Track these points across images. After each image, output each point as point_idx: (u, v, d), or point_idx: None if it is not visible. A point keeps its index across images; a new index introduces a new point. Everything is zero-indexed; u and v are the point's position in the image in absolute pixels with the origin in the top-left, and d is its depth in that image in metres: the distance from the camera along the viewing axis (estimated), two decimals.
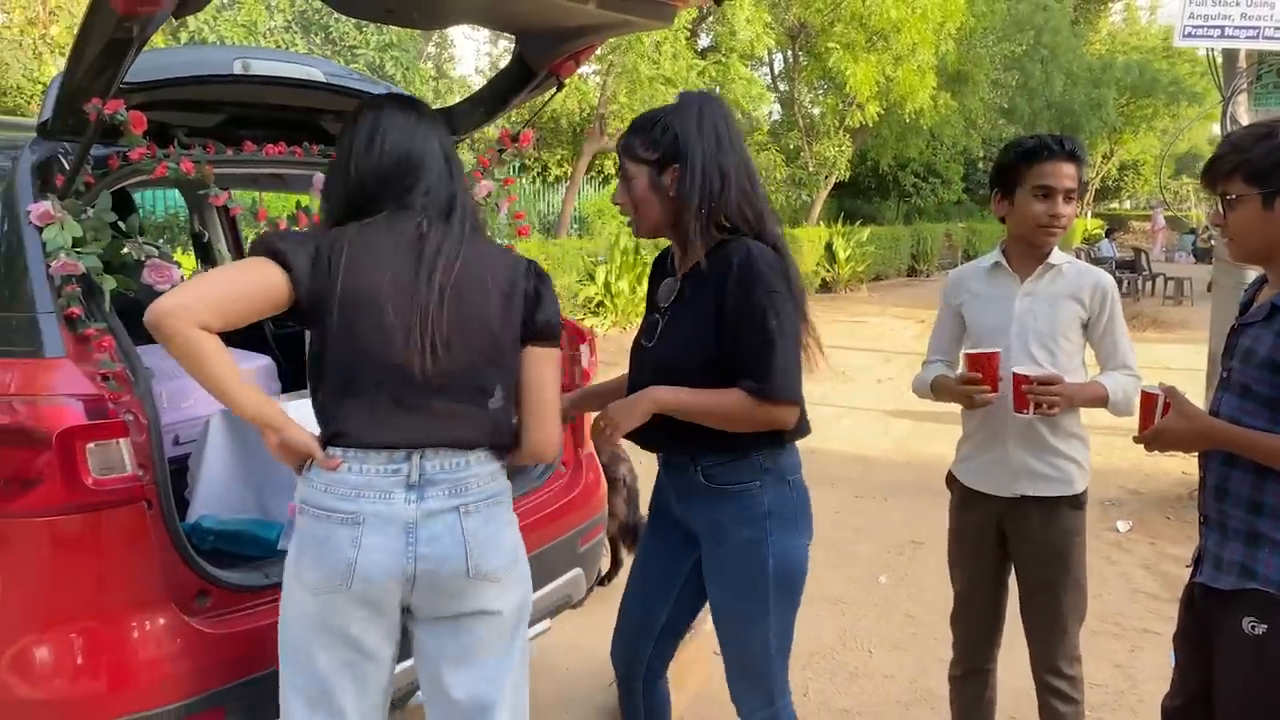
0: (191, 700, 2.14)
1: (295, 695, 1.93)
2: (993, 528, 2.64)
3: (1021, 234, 2.54)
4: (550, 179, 17.18)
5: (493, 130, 10.14)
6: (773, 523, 2.15)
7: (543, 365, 1.96)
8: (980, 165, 27.79)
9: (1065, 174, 2.46)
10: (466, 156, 13.15)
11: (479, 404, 1.89)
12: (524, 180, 16.76)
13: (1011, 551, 2.64)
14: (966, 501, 2.67)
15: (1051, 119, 24.93)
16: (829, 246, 18.32)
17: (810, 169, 18.76)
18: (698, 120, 2.04)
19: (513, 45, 2.87)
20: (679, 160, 2.05)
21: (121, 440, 2.06)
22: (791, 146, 19.19)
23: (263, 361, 3.43)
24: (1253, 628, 1.91)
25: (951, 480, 2.74)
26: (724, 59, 15.61)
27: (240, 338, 3.71)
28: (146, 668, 2.11)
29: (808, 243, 17.62)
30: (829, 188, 19.52)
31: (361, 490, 1.84)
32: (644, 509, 4.19)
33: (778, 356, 2.01)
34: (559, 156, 16.89)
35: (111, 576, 2.10)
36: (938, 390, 2.65)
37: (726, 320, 2.03)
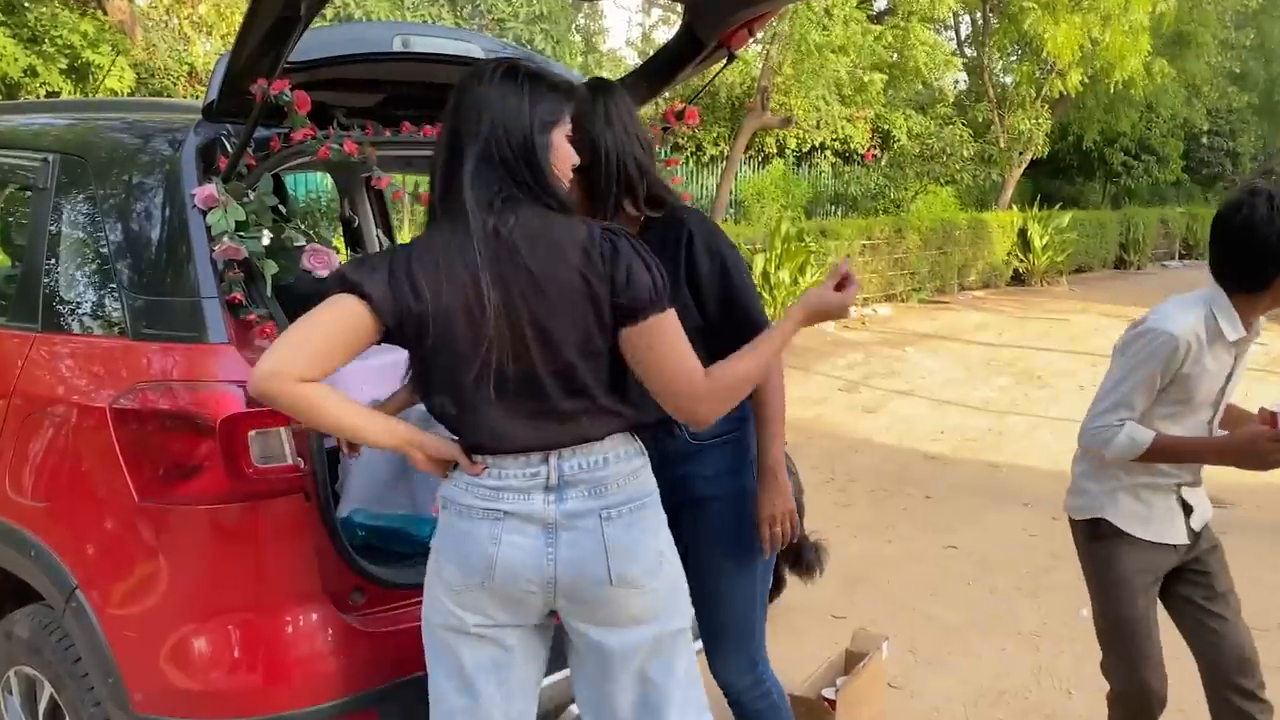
0: (344, 700, 2.28)
1: (442, 696, 2.05)
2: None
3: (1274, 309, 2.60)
4: (705, 159, 17.23)
5: (653, 107, 10.27)
6: (750, 467, 2.46)
7: (644, 345, 1.93)
8: (1204, 141, 26.33)
9: None
10: None
11: (591, 396, 1.95)
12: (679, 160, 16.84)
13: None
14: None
15: None
16: (1023, 233, 17.74)
17: (1002, 145, 18.21)
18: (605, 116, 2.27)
19: (674, 15, 2.92)
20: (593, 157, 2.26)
21: (282, 429, 2.22)
22: (980, 120, 18.68)
23: (405, 355, 3.59)
24: None
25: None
26: (902, 23, 15.31)
27: None
28: (301, 664, 2.26)
29: (998, 228, 17.11)
30: (1023, 166, 18.90)
31: (502, 490, 1.96)
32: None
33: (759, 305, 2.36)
34: (715, 135, 16.91)
35: (269, 569, 2.26)
36: (1166, 455, 2.58)
37: (705, 286, 2.33)
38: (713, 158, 17.34)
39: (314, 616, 2.29)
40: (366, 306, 1.86)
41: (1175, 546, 2.70)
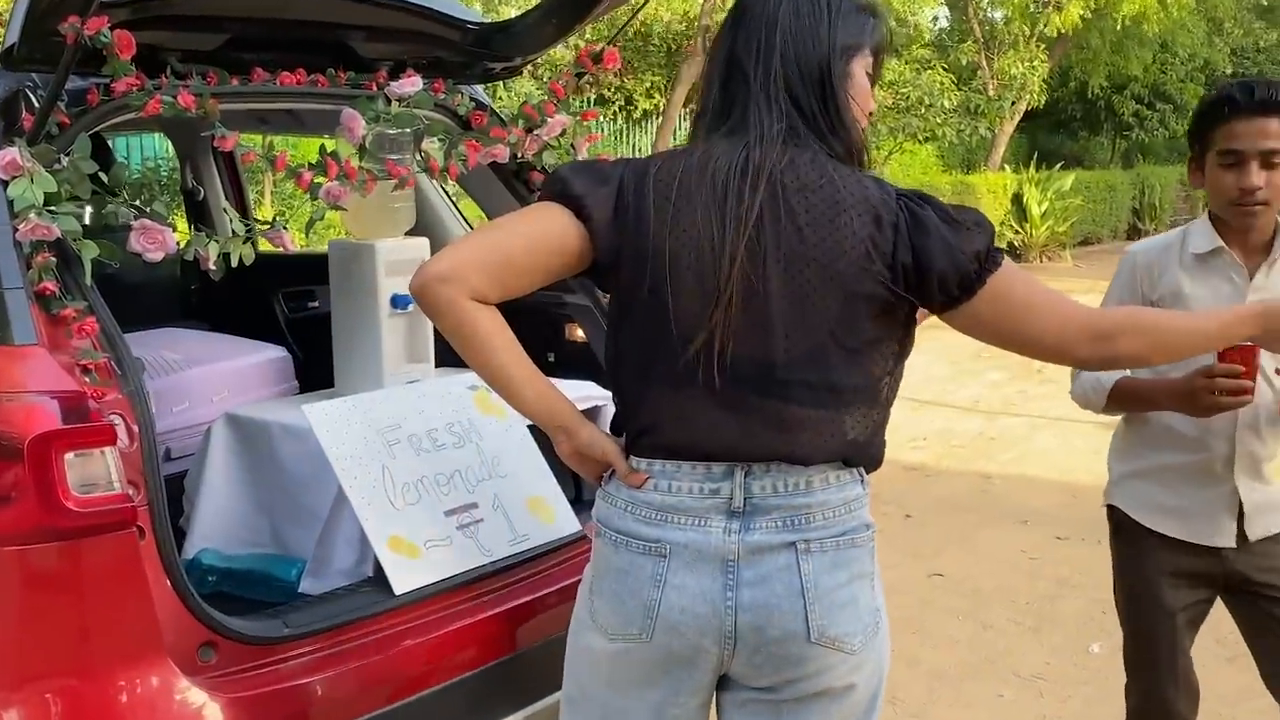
0: None
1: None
2: None
3: (1219, 213, 2.63)
4: (637, 114, 17.27)
5: (566, 51, 10.28)
6: None
7: (993, 315, 1.90)
8: None
9: (1257, 132, 2.50)
10: (530, 87, 13.35)
11: (829, 406, 1.86)
12: (601, 117, 16.87)
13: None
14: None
15: None
16: (1018, 199, 18.04)
17: (991, 93, 18.49)
18: None
19: None
20: None
21: (107, 449, 2.18)
22: (965, 63, 18.96)
23: (275, 353, 3.56)
24: None
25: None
26: None
27: (246, 322, 3.86)
28: None
29: (988, 193, 17.37)
30: (1017, 119, 19.23)
31: (669, 513, 1.88)
32: None
33: None
34: (648, 85, 16.96)
35: (96, 622, 2.22)
36: (1127, 397, 2.66)
37: None
38: (646, 113, 17.39)
39: (153, 681, 2.25)
40: (582, 230, 1.84)
41: (1222, 551, 2.66)
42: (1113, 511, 2.81)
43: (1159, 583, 2.73)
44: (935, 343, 11.26)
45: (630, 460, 1.92)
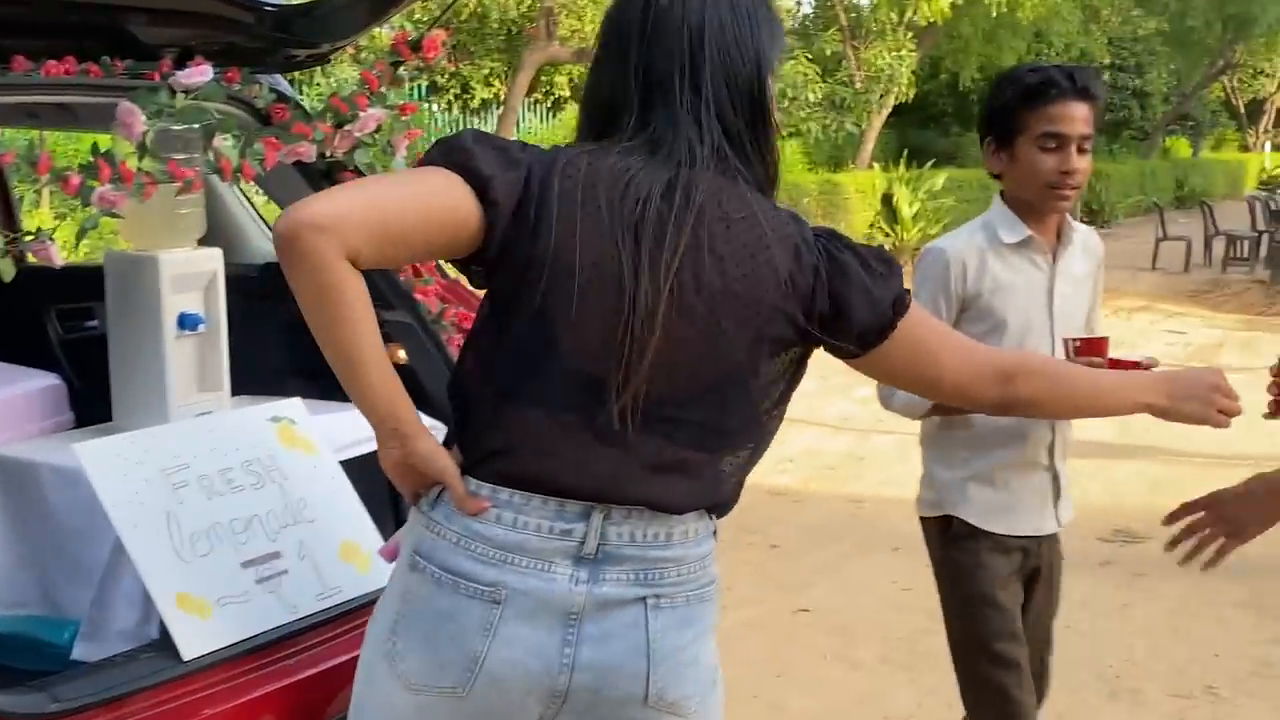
0: None
1: None
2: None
3: (1028, 197, 2.84)
4: (474, 104, 17.19)
5: (385, 34, 10.14)
6: None
7: (906, 355, 1.97)
8: (1106, 78, 27.92)
9: (1079, 117, 2.75)
10: (348, 72, 13.16)
11: (711, 449, 1.88)
12: (434, 107, 16.76)
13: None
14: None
15: (1209, 8, 25.16)
16: (888, 199, 18.44)
17: (858, 86, 18.87)
18: None
19: None
20: None
21: None
22: (829, 53, 19.32)
23: (46, 381, 3.40)
24: None
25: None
26: None
27: (11, 345, 3.69)
28: None
29: (856, 193, 17.72)
30: (885, 113, 19.65)
31: (510, 552, 1.82)
32: None
33: None
34: (486, 72, 16.90)
35: None
36: None
37: None
38: (485, 102, 17.33)
39: None
40: (482, 214, 1.78)
41: (1040, 541, 2.95)
42: (948, 522, 2.92)
43: (996, 589, 2.89)
44: None
45: (469, 482, 1.85)
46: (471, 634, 1.82)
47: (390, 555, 2.01)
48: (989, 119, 2.85)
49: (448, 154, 1.81)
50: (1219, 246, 19.39)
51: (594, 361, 1.79)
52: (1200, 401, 2.23)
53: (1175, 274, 18.51)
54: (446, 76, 16.85)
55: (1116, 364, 2.64)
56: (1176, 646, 4.93)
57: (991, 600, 2.88)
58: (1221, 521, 2.44)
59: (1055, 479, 2.94)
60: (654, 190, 1.80)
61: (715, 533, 1.98)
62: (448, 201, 1.78)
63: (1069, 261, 2.91)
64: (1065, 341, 2.74)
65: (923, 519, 3.01)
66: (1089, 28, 23.68)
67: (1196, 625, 5.17)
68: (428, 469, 1.86)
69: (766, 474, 7.55)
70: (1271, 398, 2.50)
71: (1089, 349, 2.66)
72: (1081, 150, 2.76)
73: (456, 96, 17.14)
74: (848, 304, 1.88)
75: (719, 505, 1.94)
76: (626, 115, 1.86)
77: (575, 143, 1.91)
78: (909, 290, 1.96)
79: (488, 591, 1.82)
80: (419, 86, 16.12)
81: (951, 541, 2.92)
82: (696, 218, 1.80)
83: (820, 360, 2.03)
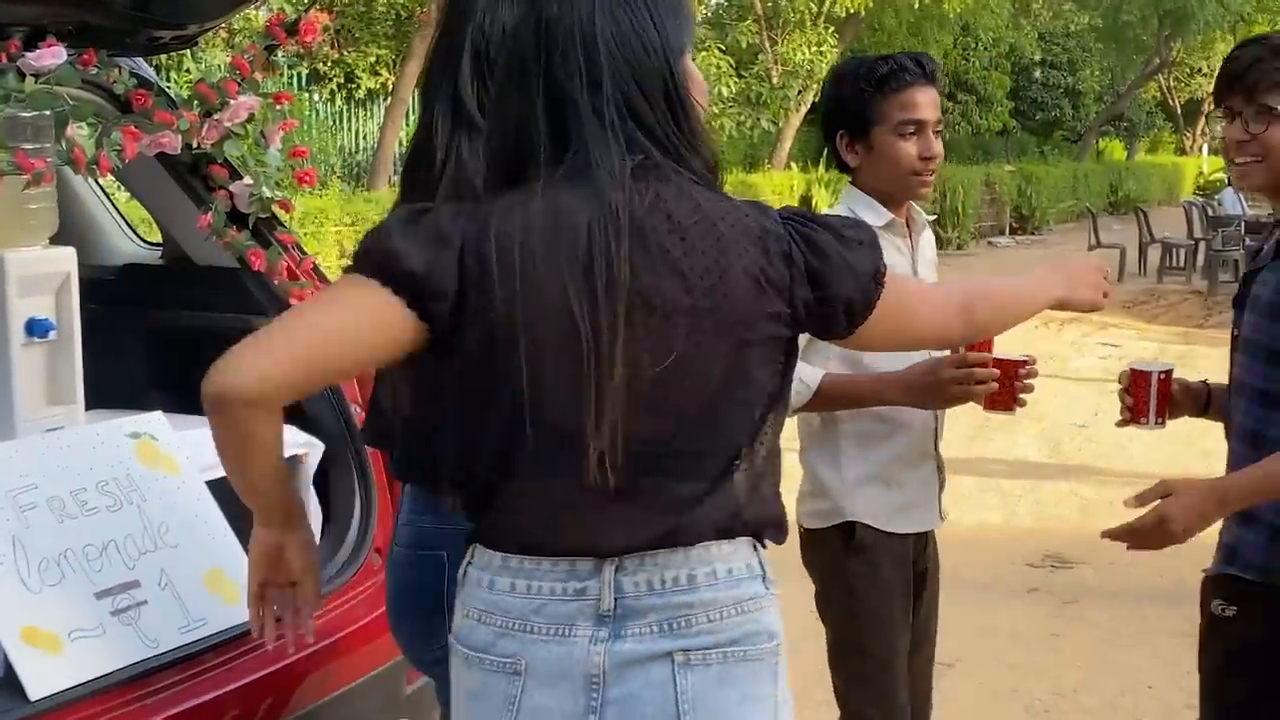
0: None
1: None
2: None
3: (888, 187, 2.96)
4: (360, 94, 17.09)
5: (258, 15, 10.03)
6: None
7: (887, 329, 2.00)
8: (1037, 75, 28.50)
9: (931, 101, 2.91)
10: (219, 57, 13.02)
11: (719, 474, 1.87)
12: (315, 97, 16.63)
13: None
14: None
15: (1145, 3, 25.73)
16: (806, 201, 18.60)
17: (775, 81, 19.02)
18: None
19: None
20: None
21: None
22: (745, 45, 19.46)
23: None
24: (1221, 610, 2.64)
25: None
26: None
27: None
28: None
29: (772, 194, 17.83)
30: (804, 110, 19.82)
31: (528, 620, 1.85)
32: None
33: None
34: (372, 60, 16.81)
35: None
36: (837, 395, 2.86)
37: None
38: (371, 92, 17.25)
39: None
40: (417, 320, 1.77)
41: (926, 539, 3.06)
42: (847, 531, 2.94)
43: (899, 592, 2.97)
44: None
45: (478, 551, 1.92)
46: (497, 711, 1.86)
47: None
48: (837, 113, 2.95)
49: (373, 263, 1.78)
50: (1154, 255, 19.71)
51: (570, 417, 1.78)
52: (1090, 287, 2.34)
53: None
54: (329, 64, 16.71)
55: (1000, 364, 2.78)
56: (1109, 678, 5.00)
57: (891, 613, 2.95)
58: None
59: (939, 468, 3.04)
60: (591, 224, 1.77)
61: (765, 575, 1.94)
62: (380, 325, 1.79)
63: (923, 247, 3.09)
64: None
65: (810, 532, 2.98)
66: (1019, 21, 24.11)
67: (1129, 656, 5.26)
68: (291, 565, 2.00)
69: None
70: (1123, 405, 2.74)
71: (979, 345, 2.75)
72: (936, 134, 2.91)
73: (340, 86, 17.00)
74: (830, 284, 1.88)
75: (750, 523, 1.91)
76: (538, 147, 1.83)
77: (485, 193, 1.90)
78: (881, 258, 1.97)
79: (508, 663, 1.86)
80: (298, 74, 16.00)
81: (853, 552, 2.93)
82: (641, 240, 1.78)
83: None
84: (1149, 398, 2.67)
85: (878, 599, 2.94)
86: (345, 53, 16.94)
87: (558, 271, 1.77)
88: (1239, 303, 2.71)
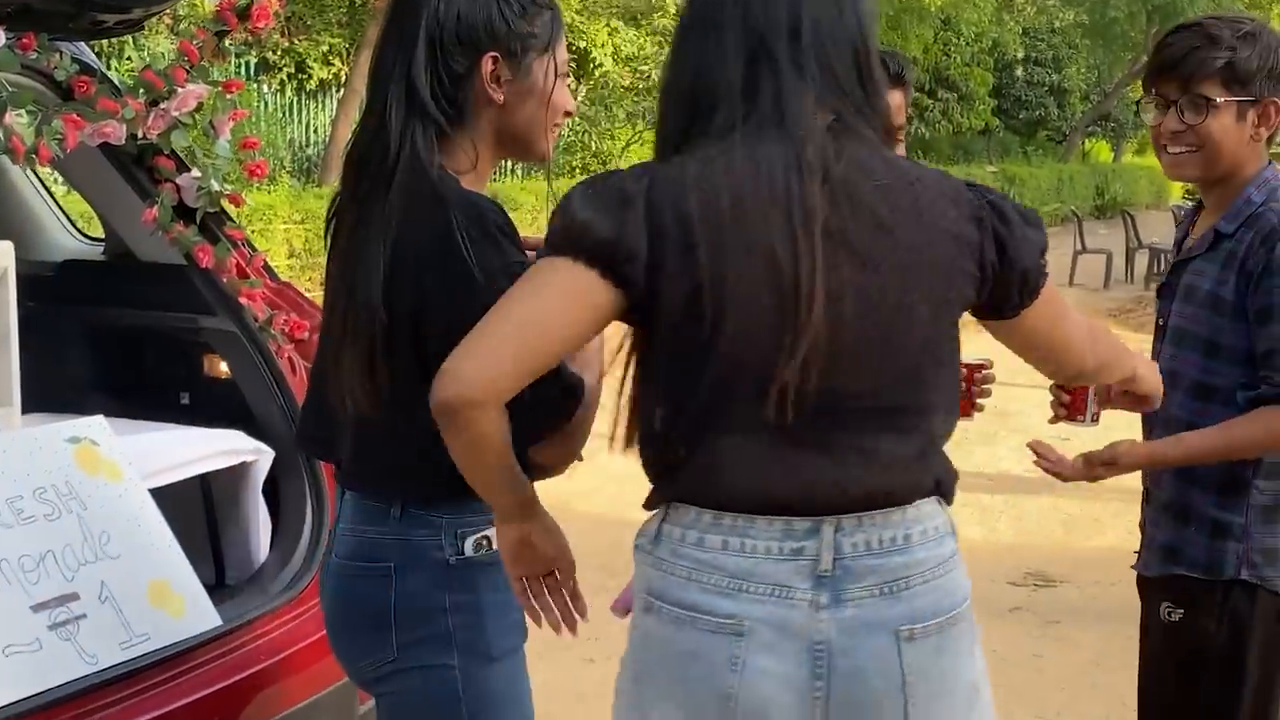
0: None
1: None
2: None
3: None
4: (311, 85, 17.04)
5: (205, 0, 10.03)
6: None
7: (1045, 326, 2.07)
8: (1020, 73, 28.62)
9: (899, 105, 2.96)
10: (164, 45, 12.96)
11: (923, 431, 1.96)
12: (264, 88, 16.59)
13: None
14: None
15: None
16: None
17: None
18: None
19: None
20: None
21: None
22: None
23: None
24: (1169, 614, 2.69)
25: None
26: None
27: None
28: None
29: None
30: None
31: (745, 581, 1.89)
32: None
33: None
34: (325, 49, 16.77)
35: None
36: None
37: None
38: (323, 83, 17.21)
39: None
40: (615, 288, 1.84)
41: None
42: None
43: None
44: None
45: (677, 509, 1.95)
46: (720, 671, 1.89)
47: (623, 610, 2.09)
48: None
49: (565, 240, 1.87)
50: (1142, 261, 19.75)
51: (780, 367, 1.85)
52: (1154, 384, 2.37)
53: (1094, 290, 18.88)
54: (279, 53, 16.67)
55: (964, 365, 2.77)
56: (1094, 701, 5.01)
57: None
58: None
59: None
60: (789, 170, 1.86)
61: (954, 531, 2.02)
62: (584, 302, 1.86)
63: None
64: None
65: None
66: (1002, 16, 24.23)
67: (1114, 678, 5.25)
68: (545, 546, 2.07)
69: (640, 510, 7.57)
70: (1059, 402, 2.74)
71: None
72: (899, 140, 2.94)
73: (290, 76, 16.94)
74: (1013, 251, 1.96)
75: (943, 481, 2.00)
76: (727, 95, 1.91)
77: (666, 144, 1.97)
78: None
79: (728, 624, 1.89)
80: (246, 63, 15.97)
81: None
82: (844, 191, 1.87)
83: None
84: (1088, 395, 2.67)
85: None
86: (296, 41, 16.89)
87: (762, 219, 1.84)
88: (1165, 292, 2.79)
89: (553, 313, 1.87)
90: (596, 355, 2.20)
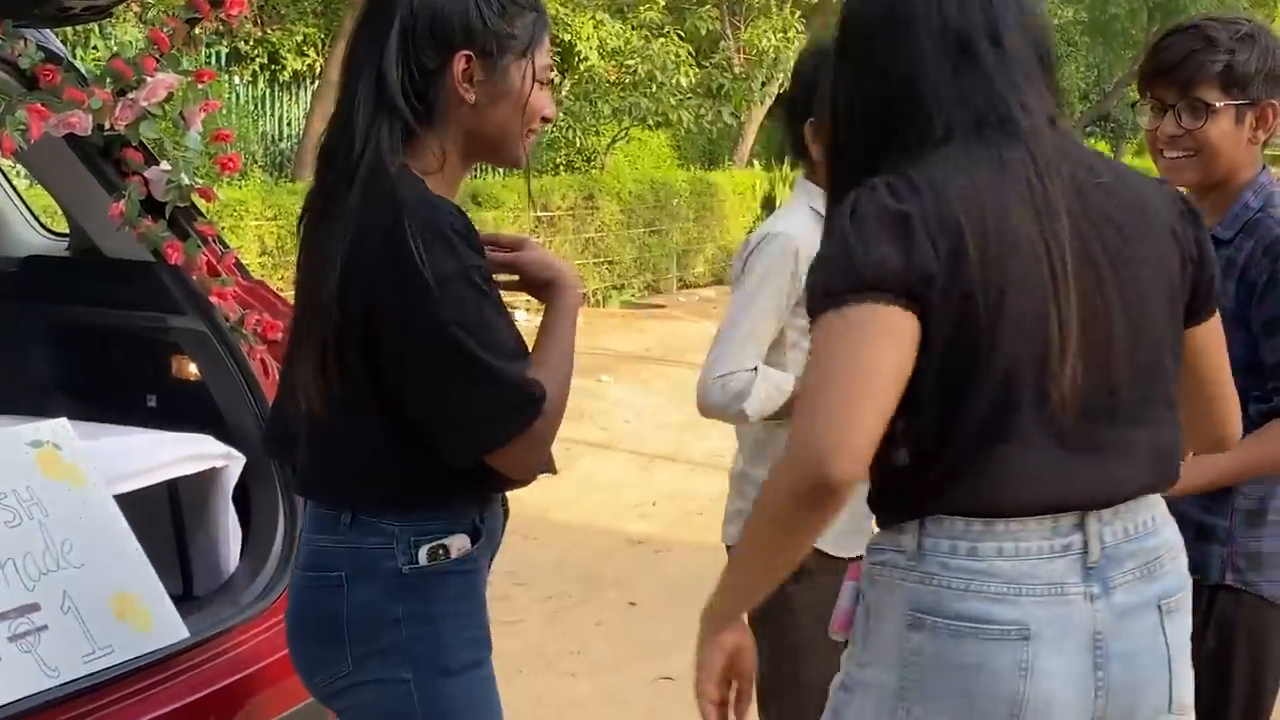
0: None
1: None
2: None
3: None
4: (285, 77, 17.01)
5: None
6: None
7: (1211, 345, 2.14)
8: None
9: None
10: (133, 33, 12.92)
11: (1170, 423, 2.05)
12: (236, 79, 16.55)
13: None
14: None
15: None
16: (770, 202, 18.61)
17: (737, 70, 19.06)
18: None
19: None
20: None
21: None
22: (705, 32, 19.49)
23: None
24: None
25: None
26: None
27: None
28: None
29: (734, 194, 17.90)
30: (768, 103, 19.84)
31: (1022, 584, 1.94)
32: None
33: None
34: (299, 39, 16.74)
35: None
36: None
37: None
38: (297, 74, 17.17)
39: None
40: (903, 308, 1.84)
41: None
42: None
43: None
44: (665, 383, 11.39)
45: (940, 521, 1.96)
46: (1008, 678, 1.93)
47: (843, 626, 2.14)
48: (807, 99, 2.93)
49: (860, 284, 1.84)
50: None
51: (1045, 369, 1.90)
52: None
53: None
54: (251, 43, 16.62)
55: None
56: None
57: (821, 630, 2.98)
58: None
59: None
60: (1028, 170, 1.91)
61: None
62: (903, 339, 1.86)
63: None
64: None
65: None
66: None
67: None
68: (748, 663, 2.14)
69: (623, 519, 7.56)
70: None
71: None
72: None
73: (263, 67, 16.89)
74: (1206, 251, 2.07)
75: (1171, 475, 2.10)
76: (935, 102, 1.95)
77: (859, 155, 2.01)
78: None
79: (1013, 630, 1.94)
80: (217, 53, 15.92)
81: (794, 578, 2.93)
82: (1072, 186, 1.93)
83: (684, 384, 2.06)
84: None
85: (820, 628, 2.94)
86: (269, 30, 16.84)
87: (1020, 222, 1.89)
88: None
89: (890, 360, 1.86)
90: (564, 364, 2.22)
